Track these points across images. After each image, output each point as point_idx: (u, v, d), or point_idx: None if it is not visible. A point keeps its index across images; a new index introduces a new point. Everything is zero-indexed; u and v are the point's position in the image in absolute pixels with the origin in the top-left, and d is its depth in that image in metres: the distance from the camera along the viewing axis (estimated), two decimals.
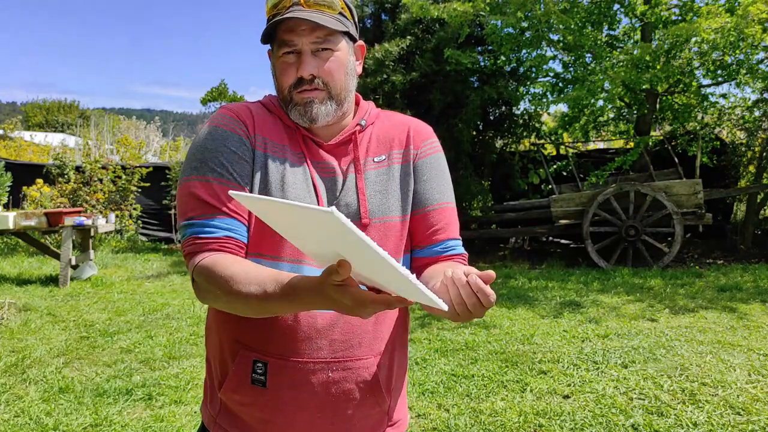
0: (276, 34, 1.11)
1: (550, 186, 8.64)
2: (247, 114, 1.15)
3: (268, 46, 1.17)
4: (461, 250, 1.23)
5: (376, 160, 1.19)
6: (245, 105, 1.18)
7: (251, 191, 1.09)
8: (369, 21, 9.71)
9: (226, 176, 1.07)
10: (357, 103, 1.26)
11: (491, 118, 9.96)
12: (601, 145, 11.87)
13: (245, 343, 1.11)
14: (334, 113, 1.14)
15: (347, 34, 1.14)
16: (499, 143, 10.33)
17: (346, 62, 1.14)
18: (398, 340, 1.20)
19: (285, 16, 1.07)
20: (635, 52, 7.69)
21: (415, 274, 1.16)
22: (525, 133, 10.20)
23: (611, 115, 10.18)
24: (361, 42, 1.21)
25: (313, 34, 1.09)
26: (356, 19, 1.20)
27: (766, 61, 8.14)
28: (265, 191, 1.10)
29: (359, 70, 1.21)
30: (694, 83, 8.54)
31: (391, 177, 1.19)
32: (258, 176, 1.11)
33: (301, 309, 0.95)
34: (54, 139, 22.32)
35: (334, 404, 1.11)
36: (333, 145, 1.17)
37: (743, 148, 9.55)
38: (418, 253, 1.21)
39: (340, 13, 1.13)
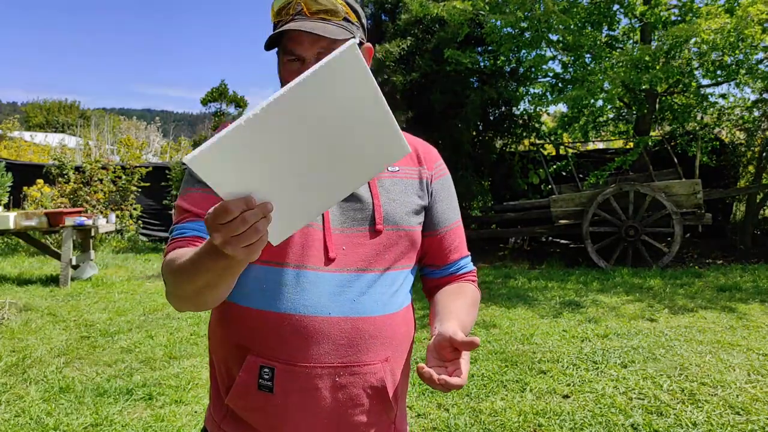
0: (281, 40, 1.11)
1: (549, 186, 8.65)
2: None
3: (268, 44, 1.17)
4: (470, 267, 1.32)
5: (390, 169, 1.20)
6: None
7: None
8: (369, 21, 9.72)
9: (204, 185, 1.10)
10: None
11: (491, 118, 9.97)
12: (600, 145, 11.88)
13: (251, 349, 1.11)
14: None
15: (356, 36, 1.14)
16: (499, 143, 10.34)
17: None
18: (405, 346, 1.19)
19: (287, 27, 1.08)
20: (635, 53, 7.70)
21: (428, 293, 1.30)
22: (525, 134, 10.21)
23: (611, 116, 10.19)
24: (368, 44, 1.20)
25: (316, 44, 1.09)
26: (364, 21, 1.19)
27: (765, 61, 8.15)
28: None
29: None
30: (693, 83, 8.55)
31: (406, 189, 1.21)
32: None
33: (215, 266, 0.88)
34: (53, 139, 22.33)
35: (342, 410, 1.10)
36: None
37: (743, 149, 9.57)
38: (435, 273, 1.29)
39: (345, 19, 1.12)
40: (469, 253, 1.34)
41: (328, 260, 1.10)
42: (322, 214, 1.11)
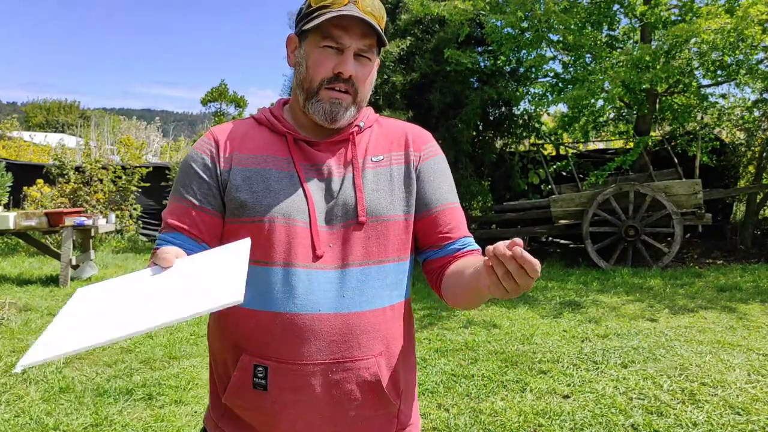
0: (322, 25, 1.11)
1: (549, 186, 8.64)
2: (225, 135, 1.19)
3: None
4: (476, 246, 1.23)
5: (374, 159, 1.19)
6: (228, 125, 1.23)
7: (224, 206, 1.16)
8: None
9: (185, 195, 1.16)
10: None
11: (491, 118, 9.96)
12: (600, 145, 11.87)
13: (245, 348, 1.11)
14: (352, 119, 1.17)
15: (379, 50, 1.17)
16: (499, 143, 10.33)
17: (374, 75, 1.18)
18: (401, 341, 1.19)
19: (345, 12, 1.08)
20: (635, 53, 7.70)
21: (435, 275, 1.23)
22: (525, 134, 10.20)
23: (611, 116, 10.18)
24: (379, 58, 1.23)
25: (363, 39, 1.11)
26: None
27: (765, 61, 8.15)
28: (249, 202, 1.12)
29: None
30: (693, 83, 8.54)
31: (392, 177, 1.19)
32: (237, 191, 1.13)
33: None
34: (53, 139, 22.32)
35: (336, 406, 1.10)
36: (329, 143, 1.18)
37: (743, 149, 9.56)
38: (437, 253, 1.21)
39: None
40: (471, 235, 1.25)
41: (316, 257, 1.10)
42: (309, 212, 1.12)
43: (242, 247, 1.01)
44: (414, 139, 1.24)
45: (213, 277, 0.93)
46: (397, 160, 1.21)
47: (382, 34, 1.12)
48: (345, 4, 1.09)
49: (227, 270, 0.94)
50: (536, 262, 0.84)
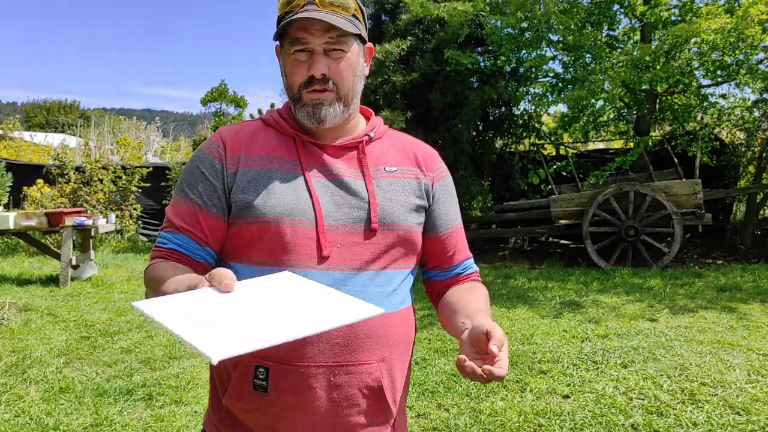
0: (288, 31, 1.12)
1: (549, 186, 8.65)
2: (232, 136, 1.19)
3: (271, 44, 1.19)
4: (475, 267, 1.34)
5: (387, 169, 1.21)
6: (237, 127, 1.23)
7: (229, 208, 1.15)
8: (369, 22, 9.71)
9: (189, 196, 1.17)
10: (368, 117, 1.28)
11: (491, 118, 9.96)
12: (600, 146, 11.87)
13: None
14: (342, 115, 1.16)
15: (358, 36, 1.16)
16: (499, 143, 10.33)
17: (356, 64, 1.17)
18: (402, 348, 1.18)
19: (299, 15, 1.09)
20: (635, 53, 7.70)
21: (435, 295, 1.31)
22: (525, 134, 10.20)
23: (611, 116, 10.18)
24: (370, 44, 1.22)
25: (326, 35, 1.11)
26: (366, 21, 1.21)
27: (765, 61, 8.15)
28: (254, 203, 1.12)
29: (366, 72, 1.23)
30: (693, 83, 8.54)
31: (403, 188, 1.20)
32: (243, 192, 1.13)
33: None
34: (54, 139, 22.32)
35: (338, 410, 1.09)
36: (338, 148, 1.18)
37: (743, 149, 9.56)
38: (440, 276, 1.31)
39: (353, 15, 1.14)
40: (472, 255, 1.35)
41: (322, 258, 1.10)
42: (315, 212, 1.11)
43: (295, 277, 1.02)
44: (425, 159, 1.27)
45: (319, 298, 0.94)
46: (409, 175, 1.23)
47: (347, 21, 1.12)
48: (303, 5, 1.10)
49: (317, 292, 0.96)
50: (496, 375, 0.92)
